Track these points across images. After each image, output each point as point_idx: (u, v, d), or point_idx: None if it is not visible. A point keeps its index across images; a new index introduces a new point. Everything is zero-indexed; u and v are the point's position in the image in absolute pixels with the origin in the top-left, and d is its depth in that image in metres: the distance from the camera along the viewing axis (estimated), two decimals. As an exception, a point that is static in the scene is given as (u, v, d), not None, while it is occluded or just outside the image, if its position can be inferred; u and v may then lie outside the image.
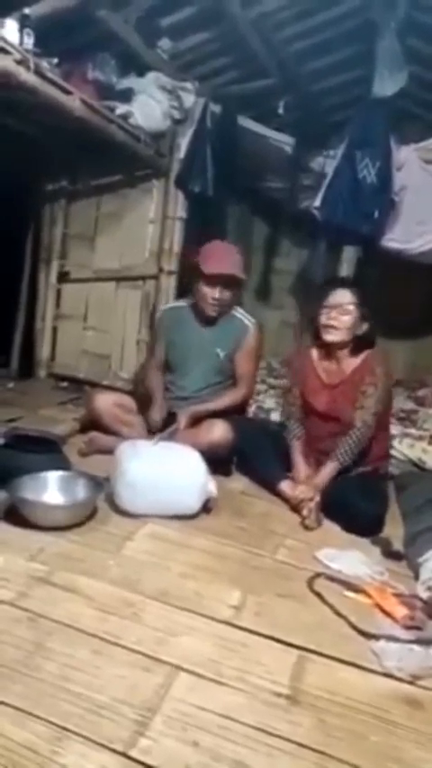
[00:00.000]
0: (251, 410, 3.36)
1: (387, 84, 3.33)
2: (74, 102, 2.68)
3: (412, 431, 3.25)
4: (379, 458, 2.46)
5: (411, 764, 1.11)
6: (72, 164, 3.88)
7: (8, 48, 2.25)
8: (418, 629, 1.51)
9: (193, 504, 2.05)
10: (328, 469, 2.27)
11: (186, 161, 3.53)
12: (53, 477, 2.03)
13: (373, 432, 2.32)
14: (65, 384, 3.99)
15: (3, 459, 2.10)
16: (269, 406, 3.52)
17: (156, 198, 3.73)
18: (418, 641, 1.46)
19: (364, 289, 2.42)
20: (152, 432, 2.52)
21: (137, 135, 3.28)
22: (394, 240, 3.52)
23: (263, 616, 1.53)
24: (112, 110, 3.08)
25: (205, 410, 2.54)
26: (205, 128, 3.49)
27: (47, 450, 2.23)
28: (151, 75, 3.29)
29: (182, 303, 2.81)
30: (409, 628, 1.52)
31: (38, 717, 1.08)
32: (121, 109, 3.15)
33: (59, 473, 2.06)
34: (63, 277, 4.04)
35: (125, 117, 3.18)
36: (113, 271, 3.90)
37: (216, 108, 3.52)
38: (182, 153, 3.55)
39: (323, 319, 2.33)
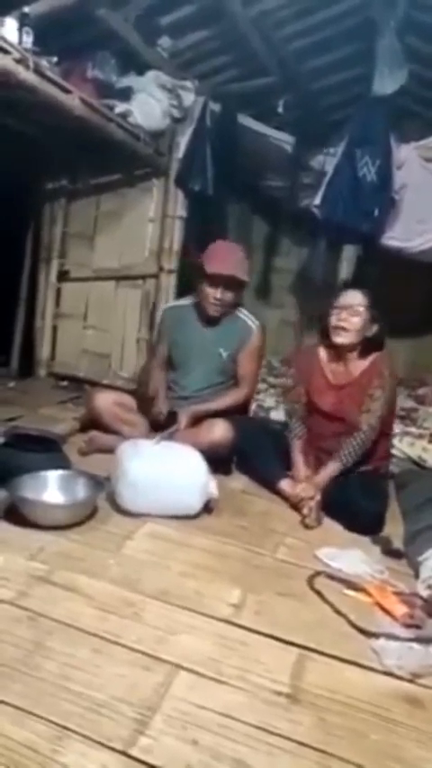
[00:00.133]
0: (251, 408, 3.36)
1: (387, 83, 3.33)
2: (73, 100, 2.68)
3: (412, 429, 3.26)
4: (381, 458, 2.46)
5: (412, 763, 1.11)
6: (72, 163, 3.88)
7: (7, 46, 2.24)
8: (418, 627, 1.51)
9: (195, 503, 2.05)
10: (330, 469, 2.27)
11: (186, 160, 3.53)
12: (53, 476, 2.03)
13: (377, 433, 2.32)
14: (65, 383, 3.99)
15: (3, 458, 2.09)
16: (269, 404, 3.52)
17: (155, 197, 3.73)
18: (418, 639, 1.46)
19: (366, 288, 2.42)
20: (154, 428, 2.53)
21: (136, 134, 3.28)
22: (394, 238, 3.52)
23: (263, 615, 1.53)
24: (111, 108, 3.07)
25: (206, 410, 2.54)
26: (205, 126, 3.48)
27: (47, 450, 2.23)
28: (151, 74, 3.29)
29: (185, 302, 2.80)
30: (408, 626, 1.52)
31: (38, 716, 1.08)
32: (120, 107, 3.15)
33: (59, 472, 2.06)
34: (63, 276, 4.04)
35: (124, 116, 3.17)
36: (113, 270, 3.90)
37: (216, 106, 3.52)
38: (181, 152, 3.55)
39: (333, 320, 2.32)
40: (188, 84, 3.44)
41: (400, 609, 1.57)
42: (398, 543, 2.08)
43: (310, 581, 1.73)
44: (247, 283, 2.69)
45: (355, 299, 2.30)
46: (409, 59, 3.32)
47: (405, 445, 3.03)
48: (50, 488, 2.00)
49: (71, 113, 2.71)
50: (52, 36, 2.53)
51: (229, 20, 3.14)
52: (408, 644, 1.44)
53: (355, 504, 2.19)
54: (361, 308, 2.29)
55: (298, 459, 2.42)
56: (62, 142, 3.62)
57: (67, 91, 2.64)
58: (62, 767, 0.99)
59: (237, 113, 3.55)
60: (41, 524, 1.80)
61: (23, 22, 2.35)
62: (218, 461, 2.31)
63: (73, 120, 2.80)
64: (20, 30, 2.34)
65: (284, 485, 2.35)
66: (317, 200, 3.50)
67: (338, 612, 1.57)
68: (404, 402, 3.79)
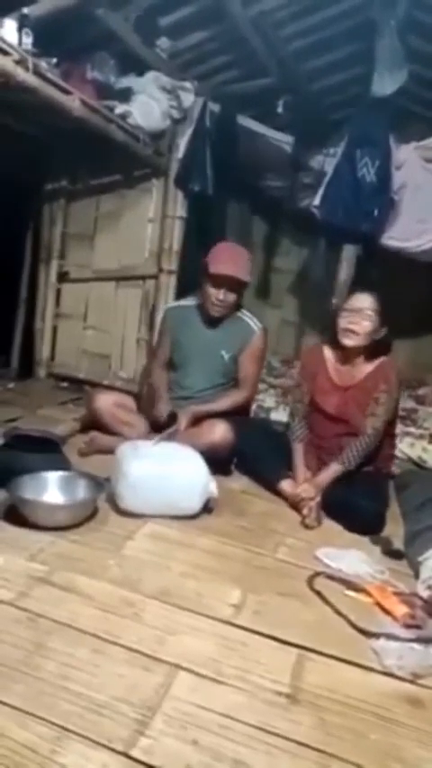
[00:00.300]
0: (251, 409, 3.36)
1: (387, 83, 3.33)
2: (73, 101, 2.68)
3: (412, 429, 3.26)
4: (383, 459, 2.46)
5: (412, 763, 1.11)
6: (71, 163, 3.88)
7: (7, 48, 2.24)
8: (419, 627, 1.51)
9: (195, 504, 2.05)
10: (331, 471, 2.27)
11: (185, 160, 3.53)
12: (53, 477, 2.03)
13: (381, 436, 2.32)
14: (65, 384, 3.99)
15: (3, 459, 2.10)
16: (269, 404, 3.52)
17: (155, 197, 3.73)
18: (419, 640, 1.46)
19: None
20: (154, 429, 2.53)
21: (136, 134, 3.28)
22: (394, 238, 3.52)
23: (263, 615, 1.53)
24: (111, 109, 3.07)
25: (206, 411, 2.54)
26: (204, 127, 3.48)
27: (47, 450, 2.23)
28: (150, 75, 3.28)
29: (188, 303, 2.79)
30: (409, 626, 1.52)
31: (38, 716, 1.08)
32: (120, 108, 3.15)
33: (60, 473, 2.06)
34: (63, 277, 4.03)
35: (124, 116, 3.17)
36: (113, 270, 3.90)
37: (215, 107, 3.51)
38: (181, 152, 3.55)
39: (343, 323, 2.30)
40: (188, 84, 3.44)
41: (401, 609, 1.57)
42: (398, 544, 2.09)
43: (311, 581, 1.73)
44: (248, 284, 2.69)
45: (365, 302, 2.29)
46: (409, 60, 3.32)
47: (405, 445, 3.03)
48: (50, 489, 2.00)
49: (71, 114, 2.71)
50: (52, 37, 2.52)
51: (228, 20, 3.14)
52: (408, 644, 1.44)
53: (355, 503, 2.19)
54: (371, 312, 2.27)
55: (299, 463, 2.40)
56: (62, 143, 3.63)
57: (66, 92, 2.64)
58: (62, 768, 0.99)
59: (236, 114, 3.55)
60: (41, 525, 1.80)
61: (23, 23, 2.35)
62: (218, 462, 2.31)
63: (73, 120, 2.80)
64: (19, 31, 2.33)
65: (285, 485, 2.35)
66: (316, 201, 3.51)
67: (338, 613, 1.57)
68: (404, 402, 3.78)
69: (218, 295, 2.55)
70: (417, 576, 1.83)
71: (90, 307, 4.01)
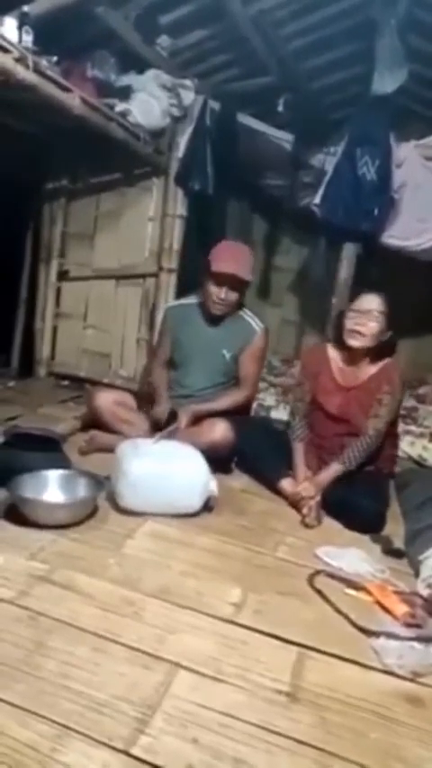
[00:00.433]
0: (252, 407, 3.36)
1: (387, 82, 3.32)
2: (73, 100, 2.68)
3: (413, 428, 3.26)
4: (385, 459, 2.46)
5: (412, 762, 1.11)
6: (71, 162, 3.87)
7: (7, 46, 2.24)
8: (419, 626, 1.52)
9: (195, 503, 2.05)
10: (332, 470, 2.26)
11: (186, 159, 3.53)
12: (53, 475, 2.03)
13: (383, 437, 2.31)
14: (65, 382, 3.99)
15: (3, 458, 2.10)
16: (269, 403, 3.52)
17: (155, 196, 3.73)
18: (419, 638, 1.46)
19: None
20: (154, 428, 2.53)
21: (136, 133, 3.27)
22: (394, 237, 3.52)
23: (263, 614, 1.53)
24: (111, 107, 3.07)
25: (206, 409, 2.54)
26: (205, 125, 3.48)
27: (47, 449, 2.23)
28: (150, 73, 3.28)
29: (189, 301, 2.79)
30: (409, 625, 1.52)
31: (38, 715, 1.08)
32: (120, 107, 3.14)
33: (60, 471, 2.06)
34: (63, 276, 4.03)
35: (124, 115, 3.17)
36: (113, 269, 3.90)
37: (215, 105, 3.51)
38: (181, 151, 3.55)
39: (350, 324, 2.29)
40: (188, 82, 3.43)
41: (401, 608, 1.58)
42: (398, 542, 2.09)
43: (311, 580, 1.73)
44: (250, 283, 2.68)
45: (373, 303, 2.27)
46: (409, 58, 3.31)
47: (406, 444, 3.04)
48: (51, 488, 2.00)
49: (71, 112, 2.70)
50: (52, 35, 2.52)
51: (228, 19, 3.14)
52: (408, 643, 1.44)
53: (356, 503, 2.18)
54: (378, 314, 2.26)
55: (299, 462, 2.39)
56: (62, 141, 3.62)
57: (66, 90, 2.64)
58: (63, 766, 0.99)
59: (236, 112, 3.55)
60: (42, 524, 1.80)
61: (23, 21, 2.34)
62: (218, 461, 2.31)
63: (73, 119, 2.80)
64: (19, 29, 2.33)
65: (285, 484, 2.35)
66: (317, 199, 3.51)
67: (339, 611, 1.57)
68: (405, 401, 3.78)
69: (219, 293, 2.55)
70: (417, 574, 1.83)
71: (90, 305, 4.01)
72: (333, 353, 2.44)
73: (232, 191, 4.38)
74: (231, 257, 2.56)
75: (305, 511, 2.20)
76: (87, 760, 1.00)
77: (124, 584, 1.57)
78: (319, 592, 1.67)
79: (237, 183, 4.07)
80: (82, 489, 2.00)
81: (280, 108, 3.67)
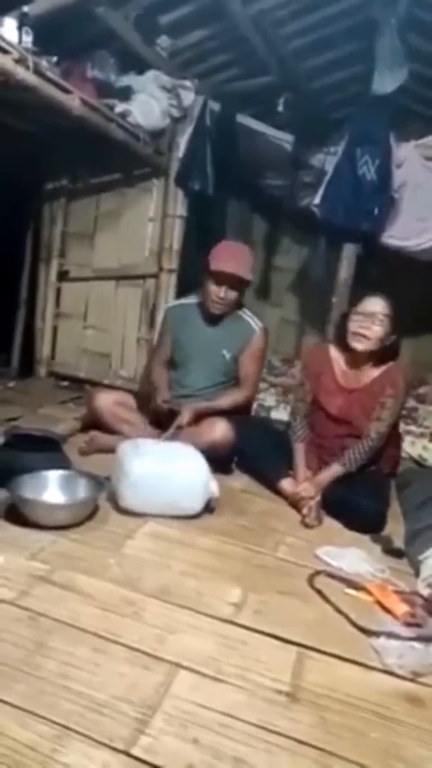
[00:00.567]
0: (252, 407, 3.36)
1: (387, 82, 3.32)
2: (73, 100, 2.68)
3: (413, 428, 3.26)
4: (387, 460, 2.46)
5: (412, 762, 1.11)
6: (71, 162, 3.88)
7: (7, 46, 2.24)
8: (419, 626, 1.52)
9: (196, 503, 2.05)
10: (332, 471, 2.26)
11: (186, 159, 3.53)
12: (54, 476, 2.03)
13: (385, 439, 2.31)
14: (65, 383, 3.99)
15: (3, 458, 2.10)
16: (270, 403, 3.52)
17: (155, 196, 3.73)
18: (419, 638, 1.46)
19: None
20: (154, 424, 2.54)
21: (136, 133, 3.27)
22: (394, 237, 3.52)
23: (263, 614, 1.53)
24: (111, 108, 3.07)
25: (208, 407, 2.54)
26: (204, 125, 3.48)
27: (47, 449, 2.23)
28: (150, 74, 3.28)
29: (189, 301, 2.79)
30: (409, 625, 1.52)
31: (39, 715, 1.08)
32: (120, 107, 3.14)
33: (60, 472, 2.06)
34: (63, 276, 4.03)
35: (124, 115, 3.17)
36: (113, 269, 3.90)
37: (215, 106, 3.51)
38: (181, 151, 3.55)
39: (354, 327, 2.26)
40: (188, 83, 3.43)
41: (401, 608, 1.58)
42: (399, 542, 2.09)
43: (311, 580, 1.73)
44: (250, 282, 2.68)
45: (378, 306, 2.25)
46: (409, 58, 3.31)
47: (406, 444, 3.03)
48: (51, 488, 2.00)
49: (71, 113, 2.71)
50: (52, 36, 2.52)
51: (228, 19, 3.14)
52: (408, 643, 1.44)
53: (356, 503, 2.18)
54: (383, 317, 2.24)
55: (299, 462, 2.39)
56: (62, 142, 3.62)
57: (66, 91, 2.64)
58: (63, 767, 0.99)
59: (236, 112, 3.55)
60: (42, 524, 1.80)
61: (23, 21, 2.34)
62: (219, 461, 2.31)
63: (73, 119, 2.80)
64: (19, 29, 2.33)
65: (285, 484, 2.35)
66: (317, 199, 3.51)
67: (339, 611, 1.57)
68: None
69: (219, 293, 2.55)
70: (417, 574, 1.83)
71: (90, 306, 4.02)
72: (336, 355, 2.42)
73: (232, 191, 4.38)
74: (231, 256, 2.56)
75: (305, 511, 2.20)
76: (87, 760, 1.00)
77: (124, 585, 1.57)
78: (319, 592, 1.67)
79: (237, 183, 4.07)
80: (82, 490, 2.00)
81: (280, 108, 3.67)
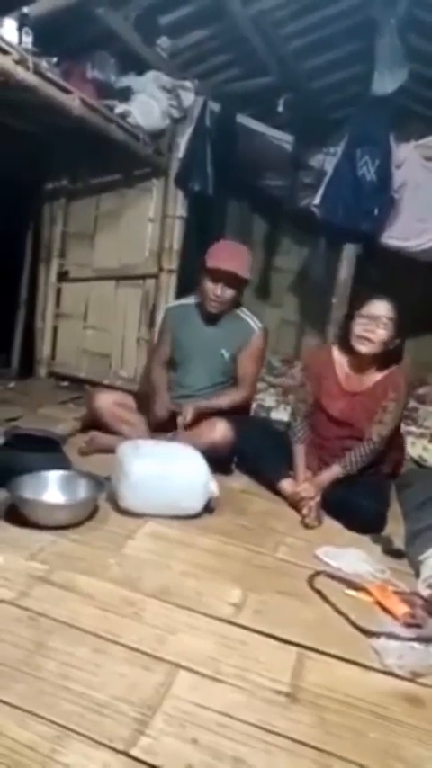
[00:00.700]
0: (252, 408, 3.36)
1: (387, 82, 3.33)
2: (73, 101, 2.68)
3: (413, 429, 3.26)
4: (390, 462, 2.46)
5: (412, 762, 1.11)
6: (71, 163, 3.88)
7: (7, 47, 2.24)
8: (419, 626, 1.52)
9: (196, 504, 2.05)
10: (333, 472, 2.26)
11: (186, 159, 3.53)
12: (54, 476, 2.03)
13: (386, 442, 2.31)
14: (65, 383, 3.99)
15: (3, 459, 2.10)
16: (269, 404, 3.53)
17: (155, 197, 3.73)
18: (419, 639, 1.46)
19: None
20: (155, 428, 2.53)
21: (136, 134, 3.27)
22: (394, 237, 3.52)
23: (263, 614, 1.53)
24: (111, 109, 3.07)
25: (209, 406, 2.53)
26: (204, 126, 3.48)
27: (47, 450, 2.23)
28: (150, 74, 3.28)
29: (188, 301, 2.80)
30: (409, 625, 1.52)
31: (39, 716, 1.08)
32: (120, 108, 3.14)
33: (60, 472, 2.06)
34: (63, 276, 4.03)
35: (124, 116, 3.17)
36: (113, 270, 3.90)
37: (215, 106, 3.51)
38: (181, 151, 3.55)
39: (359, 330, 2.24)
40: (188, 83, 3.43)
41: (401, 608, 1.58)
42: (399, 543, 2.09)
43: (311, 580, 1.73)
44: (248, 281, 2.68)
45: (383, 309, 2.23)
46: (409, 58, 3.31)
47: (406, 445, 3.04)
48: (51, 488, 2.00)
49: (71, 113, 2.71)
50: (52, 36, 2.52)
51: (228, 19, 3.14)
52: (408, 643, 1.44)
53: (357, 503, 2.18)
54: (387, 321, 2.22)
55: (299, 463, 2.38)
56: (62, 142, 3.62)
57: (66, 91, 2.64)
58: (63, 767, 0.99)
59: (236, 113, 3.55)
60: (42, 524, 1.80)
61: (23, 22, 2.34)
62: (218, 461, 2.31)
63: (73, 120, 2.80)
64: (19, 30, 2.33)
65: (285, 484, 2.34)
66: (317, 200, 3.51)
67: (339, 612, 1.57)
68: (405, 401, 3.79)
69: (215, 290, 2.55)
70: (417, 575, 1.83)
71: (90, 306, 4.02)
72: (338, 357, 2.40)
73: (232, 191, 4.38)
74: (228, 254, 2.56)
75: (305, 511, 2.20)
76: (87, 761, 1.01)
77: (124, 585, 1.57)
78: (319, 592, 1.67)
79: (237, 183, 4.07)
80: (82, 490, 2.00)
81: (280, 108, 3.67)
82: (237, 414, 2.59)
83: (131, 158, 3.52)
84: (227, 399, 2.61)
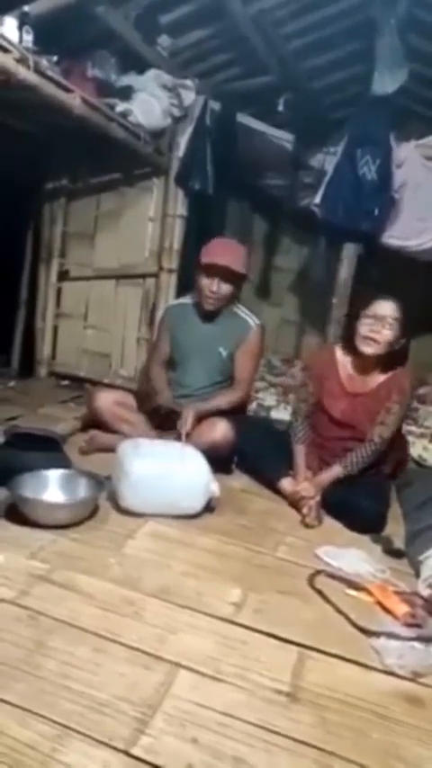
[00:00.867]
0: (252, 407, 3.36)
1: (387, 82, 3.32)
2: (74, 100, 2.67)
3: (413, 428, 3.26)
4: (389, 463, 2.45)
5: (412, 761, 1.11)
6: (72, 162, 3.87)
7: (7, 46, 2.24)
8: (419, 626, 1.52)
9: (196, 503, 2.05)
10: (333, 472, 2.26)
11: (186, 159, 3.53)
12: (54, 475, 2.03)
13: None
14: (66, 382, 3.99)
15: (3, 458, 2.10)
16: (269, 403, 3.52)
17: (156, 196, 3.73)
18: (419, 638, 1.46)
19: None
20: (155, 427, 2.54)
21: (137, 133, 3.27)
22: (394, 237, 3.52)
23: (263, 613, 1.53)
24: (111, 107, 3.07)
25: (208, 409, 2.53)
26: (205, 125, 3.48)
27: (48, 449, 2.23)
28: (151, 73, 3.28)
29: (186, 300, 2.80)
30: (409, 625, 1.52)
31: (39, 715, 1.08)
32: (120, 107, 3.14)
33: (60, 471, 2.06)
34: (63, 276, 4.03)
35: (125, 115, 3.17)
36: (113, 269, 3.90)
37: (216, 105, 3.51)
38: (182, 151, 3.54)
39: (364, 330, 2.22)
40: (188, 82, 3.43)
41: (401, 608, 1.58)
42: (399, 543, 2.09)
43: (311, 580, 1.73)
44: (244, 277, 2.68)
45: (388, 310, 2.21)
46: (409, 58, 3.31)
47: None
48: (51, 488, 2.00)
49: (71, 112, 2.70)
50: (52, 35, 2.52)
51: (228, 18, 3.14)
52: (409, 643, 1.44)
53: (357, 503, 2.18)
54: (393, 321, 2.21)
55: (300, 462, 2.38)
56: (62, 141, 3.62)
57: (67, 90, 2.64)
58: (64, 766, 0.99)
59: (237, 112, 3.55)
60: (42, 523, 1.80)
61: (23, 21, 2.34)
62: (219, 460, 2.31)
63: (73, 119, 2.80)
64: (20, 29, 2.33)
65: (285, 483, 2.34)
66: (317, 199, 3.51)
67: (339, 611, 1.57)
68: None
69: (211, 286, 2.55)
70: (417, 574, 1.83)
71: (90, 305, 4.01)
72: (342, 357, 2.39)
73: (232, 191, 4.38)
74: (222, 250, 2.57)
75: (305, 511, 2.19)
76: (88, 760, 1.01)
77: (124, 584, 1.57)
78: (319, 592, 1.67)
79: (237, 183, 4.07)
80: (82, 489, 2.00)
81: (280, 107, 3.67)
82: (234, 412, 2.59)
83: (132, 157, 3.52)
84: (224, 400, 2.60)
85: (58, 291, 4.06)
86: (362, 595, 1.67)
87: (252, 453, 2.51)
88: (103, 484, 2.03)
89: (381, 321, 2.21)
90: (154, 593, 1.54)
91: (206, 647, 1.35)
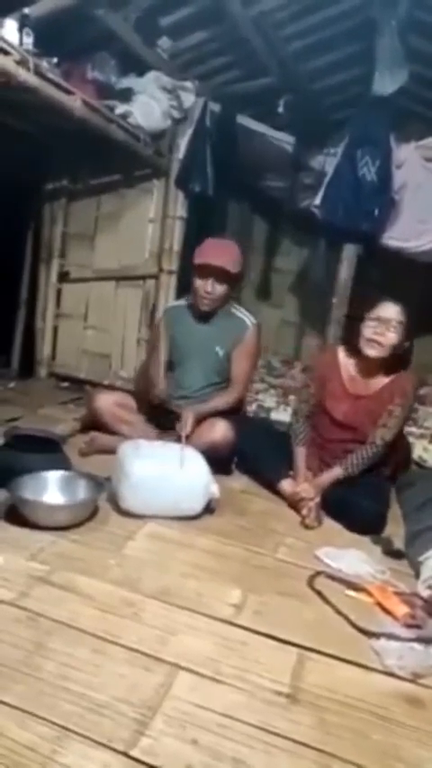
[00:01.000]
0: (252, 409, 3.36)
1: (387, 83, 3.32)
2: (74, 101, 2.68)
3: (413, 429, 3.26)
4: (390, 465, 2.45)
5: (412, 762, 1.11)
6: (72, 163, 3.88)
7: (8, 48, 2.24)
8: (419, 627, 1.51)
9: (196, 505, 2.05)
10: (333, 474, 2.26)
11: (186, 160, 3.53)
12: (54, 476, 2.03)
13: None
14: (66, 384, 3.99)
15: (3, 459, 2.10)
16: (269, 404, 3.52)
17: (156, 197, 3.73)
18: (419, 640, 1.46)
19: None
20: (155, 427, 2.53)
21: (137, 134, 3.28)
22: (394, 238, 3.52)
23: (263, 615, 1.53)
24: (111, 109, 3.07)
25: (208, 410, 2.53)
26: (205, 127, 3.48)
27: (47, 450, 2.23)
28: (151, 75, 3.29)
29: (182, 302, 2.82)
30: (409, 626, 1.52)
31: (38, 716, 1.08)
32: (120, 108, 3.15)
33: (60, 473, 2.06)
34: (63, 276, 4.04)
35: (125, 116, 3.17)
36: (113, 270, 3.91)
37: (216, 107, 3.52)
38: (182, 152, 3.55)
39: (368, 333, 2.21)
40: (188, 84, 3.44)
41: (401, 609, 1.58)
42: (399, 544, 2.09)
43: (311, 581, 1.73)
44: (239, 276, 2.67)
45: (393, 313, 2.20)
46: (409, 59, 3.31)
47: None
48: (51, 489, 2.00)
49: (72, 114, 2.71)
50: (52, 37, 2.52)
51: (228, 21, 3.14)
52: (408, 644, 1.44)
53: (357, 504, 2.18)
54: (398, 324, 2.20)
55: (300, 464, 2.38)
56: (62, 143, 3.63)
57: (67, 92, 2.64)
58: None
59: (236, 114, 3.55)
60: (42, 525, 1.80)
61: (24, 23, 2.35)
62: (219, 461, 2.31)
63: (73, 121, 2.80)
64: (20, 31, 2.33)
65: (285, 484, 2.34)
66: (317, 201, 3.51)
67: (339, 612, 1.57)
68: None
69: (205, 287, 2.55)
70: (417, 575, 1.83)
71: (90, 306, 4.02)
72: (344, 359, 2.38)
73: (232, 192, 4.38)
74: (215, 250, 2.57)
75: (305, 512, 2.19)
76: (87, 761, 1.00)
77: (124, 586, 1.57)
78: (319, 593, 1.67)
79: (237, 184, 4.08)
80: (82, 491, 2.00)
81: (280, 109, 3.68)
82: (231, 413, 2.59)
83: (132, 159, 3.52)
84: (222, 401, 2.60)
85: (58, 292, 4.06)
86: (362, 596, 1.67)
87: (252, 454, 2.51)
88: (103, 485, 2.03)
89: (385, 324, 2.20)
90: (154, 595, 1.54)
91: (206, 649, 1.35)
